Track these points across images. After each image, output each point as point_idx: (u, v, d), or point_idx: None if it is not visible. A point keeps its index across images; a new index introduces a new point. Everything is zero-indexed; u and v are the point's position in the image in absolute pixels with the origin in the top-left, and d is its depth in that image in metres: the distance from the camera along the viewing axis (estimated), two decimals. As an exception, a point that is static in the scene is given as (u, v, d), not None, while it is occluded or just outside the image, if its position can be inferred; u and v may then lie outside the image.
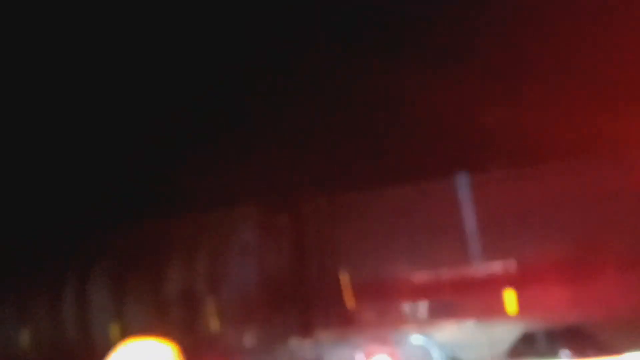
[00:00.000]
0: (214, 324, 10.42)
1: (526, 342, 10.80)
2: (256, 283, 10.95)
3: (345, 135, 10.44)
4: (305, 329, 11.18)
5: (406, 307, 12.29)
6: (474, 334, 11.45)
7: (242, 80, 10.30)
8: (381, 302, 11.92)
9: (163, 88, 10.20)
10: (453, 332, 11.60)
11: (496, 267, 12.10)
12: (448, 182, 11.46)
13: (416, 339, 11.70)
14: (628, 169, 10.68)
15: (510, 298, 11.82)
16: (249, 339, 10.58)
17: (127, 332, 10.33)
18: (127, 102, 10.20)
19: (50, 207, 10.39)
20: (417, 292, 12.20)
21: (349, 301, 11.79)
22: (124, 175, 10.40)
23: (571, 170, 11.27)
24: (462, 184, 12.01)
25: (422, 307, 12.24)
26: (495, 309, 11.70)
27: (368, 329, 11.68)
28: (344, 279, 11.70)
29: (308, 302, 11.25)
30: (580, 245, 10.97)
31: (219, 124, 10.57)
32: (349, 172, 10.58)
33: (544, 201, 11.19)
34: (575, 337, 10.74)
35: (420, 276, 12.36)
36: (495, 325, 11.43)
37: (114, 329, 10.40)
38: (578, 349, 10.63)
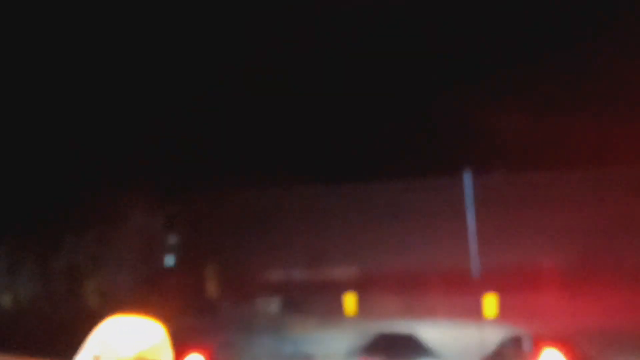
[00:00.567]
0: (92, 300, 10.68)
1: (375, 342, 11.96)
2: (135, 266, 11.33)
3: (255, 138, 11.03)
4: (168, 314, 11.73)
5: (260, 302, 13.20)
6: (322, 330, 12.54)
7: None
8: (239, 296, 12.71)
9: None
10: (302, 327, 12.62)
11: (342, 271, 13.33)
12: (327, 189, 12.44)
13: (268, 334, 12.62)
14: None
15: (351, 300, 13.07)
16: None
17: (14, 304, 10.42)
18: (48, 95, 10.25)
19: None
20: (272, 289, 13.13)
21: (211, 291, 12.47)
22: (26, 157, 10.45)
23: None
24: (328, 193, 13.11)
25: (275, 303, 13.20)
26: (339, 310, 12.91)
27: (225, 319, 12.43)
28: (211, 270, 12.37)
29: (173, 288, 11.79)
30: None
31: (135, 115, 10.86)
32: (246, 172, 11.14)
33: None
34: (405, 344, 12.04)
35: (276, 275, 13.31)
36: (342, 324, 12.63)
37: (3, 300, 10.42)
38: (404, 354, 12.00)
